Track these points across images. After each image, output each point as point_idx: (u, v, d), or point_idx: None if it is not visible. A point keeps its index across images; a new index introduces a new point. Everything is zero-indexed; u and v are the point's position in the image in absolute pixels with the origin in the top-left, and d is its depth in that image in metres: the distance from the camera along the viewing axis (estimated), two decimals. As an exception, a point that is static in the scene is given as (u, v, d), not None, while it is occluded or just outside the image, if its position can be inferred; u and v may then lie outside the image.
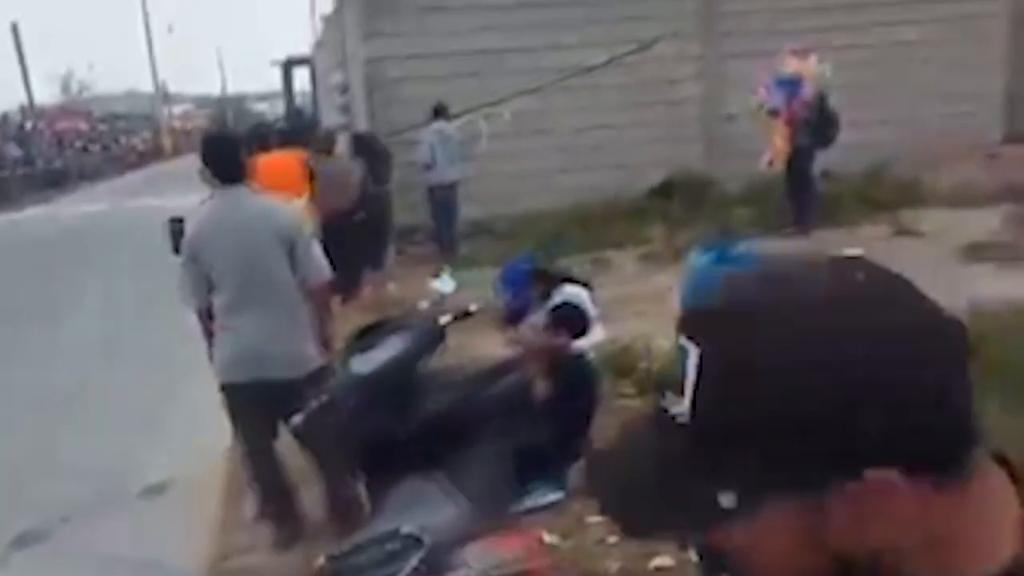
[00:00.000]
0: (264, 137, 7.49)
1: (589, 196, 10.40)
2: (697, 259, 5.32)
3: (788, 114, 9.17)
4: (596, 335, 4.01)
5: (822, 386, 0.58)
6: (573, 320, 3.53)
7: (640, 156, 10.78)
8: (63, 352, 7.48)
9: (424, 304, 3.45)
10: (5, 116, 33.07)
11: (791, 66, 9.28)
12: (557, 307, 3.62)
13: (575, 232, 9.50)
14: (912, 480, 0.59)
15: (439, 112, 9.45)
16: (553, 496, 3.33)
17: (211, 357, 3.64)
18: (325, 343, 3.68)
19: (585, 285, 4.49)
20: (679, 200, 10.07)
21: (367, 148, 8.66)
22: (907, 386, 0.59)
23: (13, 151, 28.02)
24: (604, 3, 10.78)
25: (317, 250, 3.69)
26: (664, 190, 10.56)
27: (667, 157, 10.77)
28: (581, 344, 3.85)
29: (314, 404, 3.12)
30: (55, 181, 27.88)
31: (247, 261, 3.50)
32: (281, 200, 4.06)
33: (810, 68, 9.30)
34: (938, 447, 0.60)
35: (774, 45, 10.26)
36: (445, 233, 9.71)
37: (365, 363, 3.03)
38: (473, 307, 3.35)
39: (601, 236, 9.34)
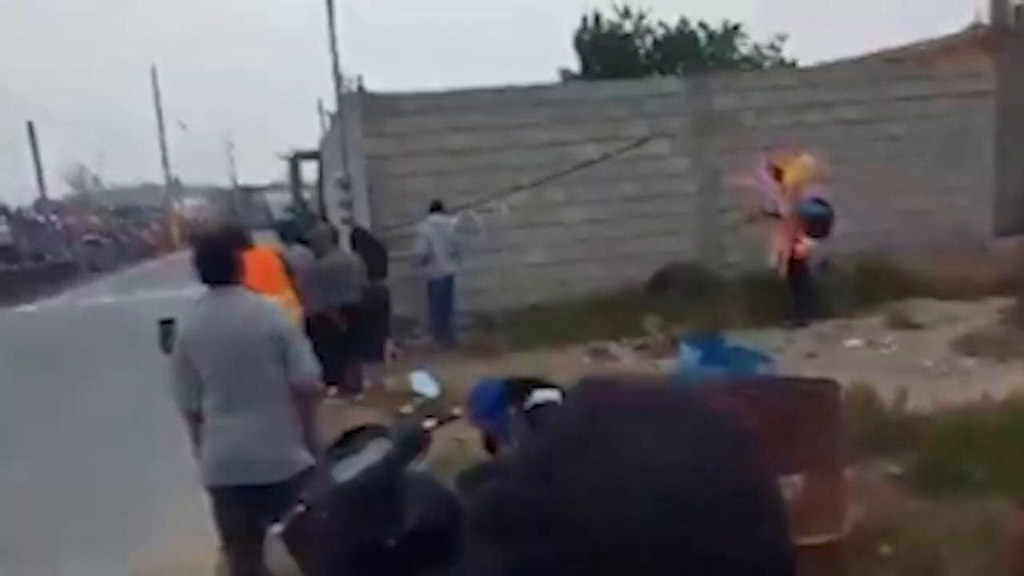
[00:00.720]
0: (281, 234, 7.76)
1: (586, 288, 10.50)
2: (687, 355, 5.35)
3: (788, 222, 9.42)
4: None
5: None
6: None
7: (636, 249, 10.92)
8: (62, 441, 7.46)
9: (407, 408, 3.45)
10: (19, 211, 33.75)
11: (785, 172, 9.53)
12: (534, 408, 3.62)
13: (573, 323, 9.56)
14: None
15: (436, 207, 9.64)
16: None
17: (197, 457, 3.63)
18: (311, 444, 3.67)
19: (556, 388, 4.50)
20: (675, 292, 10.15)
21: (364, 242, 8.81)
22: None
23: (24, 245, 28.50)
24: (599, 102, 11.11)
25: (307, 349, 3.70)
26: (660, 282, 10.66)
27: (663, 250, 10.91)
28: None
29: (295, 511, 3.09)
30: (65, 274, 28.25)
31: (238, 362, 3.49)
32: (271, 299, 4.09)
33: (802, 168, 9.51)
34: None
35: (767, 140, 10.55)
36: (443, 326, 9.77)
37: (343, 470, 3.02)
38: (458, 411, 3.35)
39: (598, 327, 9.39)
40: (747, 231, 10.13)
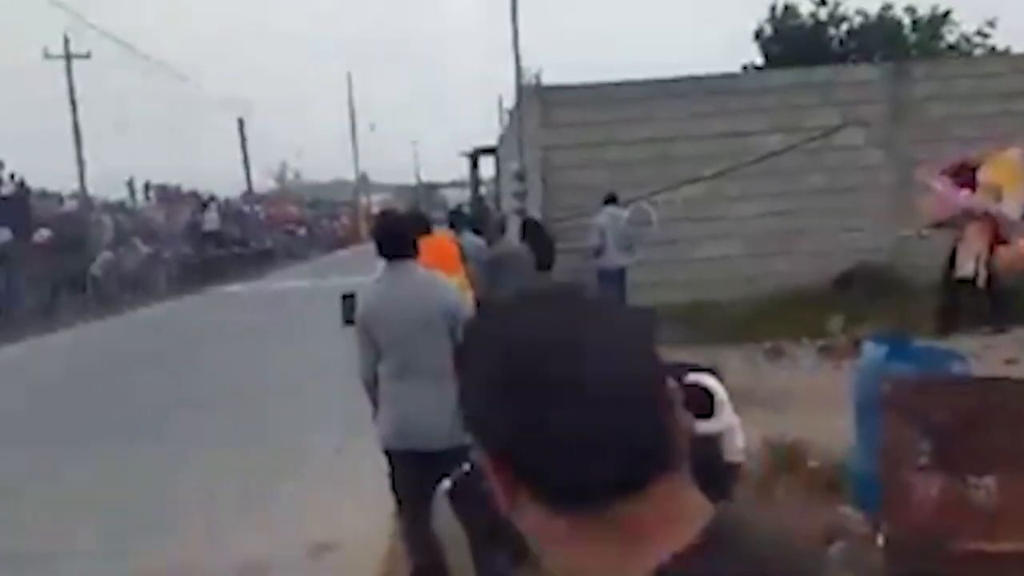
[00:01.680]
0: (451, 223, 8.05)
1: (765, 284, 10.10)
2: (871, 352, 5.02)
3: (985, 222, 8.53)
4: (724, 420, 3.87)
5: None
6: (697, 401, 3.45)
7: (823, 245, 10.39)
8: (255, 404, 8.07)
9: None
10: (227, 201, 36.81)
11: (983, 175, 8.56)
12: (684, 386, 3.55)
13: (749, 320, 9.24)
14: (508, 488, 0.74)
15: (611, 199, 9.59)
16: None
17: (375, 422, 3.80)
18: None
19: (711, 372, 4.37)
20: (861, 292, 9.56)
21: (533, 232, 8.92)
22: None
23: (231, 232, 31.11)
24: (783, 90, 10.66)
25: None
26: (845, 281, 10.08)
27: (853, 247, 10.31)
28: (708, 427, 3.73)
29: (461, 471, 3.17)
30: (265, 260, 30.59)
31: (411, 333, 3.63)
32: (445, 277, 4.23)
33: (1005, 164, 8.57)
34: (548, 479, 0.72)
35: (971, 130, 9.71)
36: None
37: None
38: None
39: (777, 325, 9.01)
40: (927, 237, 9.33)
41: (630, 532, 0.73)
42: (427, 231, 7.31)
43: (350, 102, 49.80)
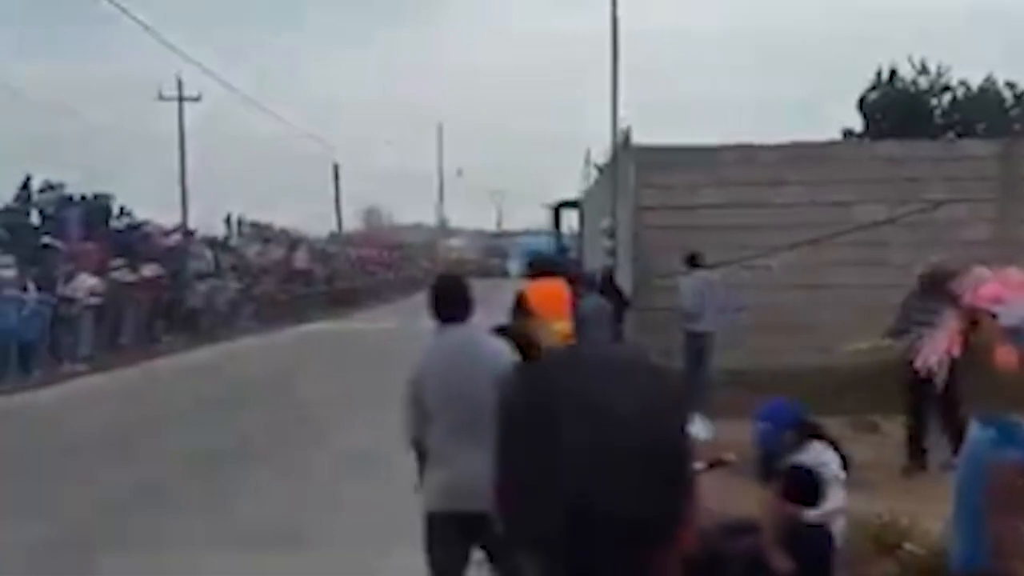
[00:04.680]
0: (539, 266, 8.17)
1: (860, 357, 9.84)
2: (975, 433, 4.86)
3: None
4: (834, 502, 3.80)
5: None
6: (804, 487, 3.42)
7: (918, 319, 10.09)
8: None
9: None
10: (316, 240, 37.96)
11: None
12: (791, 469, 3.53)
13: (841, 390, 8.99)
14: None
15: (694, 261, 9.50)
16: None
17: (418, 488, 3.79)
18: None
19: (835, 447, 4.29)
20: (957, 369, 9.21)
21: (612, 288, 9.02)
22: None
23: (319, 271, 32.00)
24: (886, 160, 10.52)
25: None
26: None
27: (950, 323, 9.98)
28: (815, 514, 3.67)
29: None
30: (351, 300, 31.32)
31: (460, 399, 3.62)
32: (495, 340, 4.17)
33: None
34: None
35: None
36: (698, 380, 9.60)
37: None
38: (730, 456, 3.32)
39: (871, 398, 8.75)
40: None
41: None
42: (551, 274, 7.39)
43: (439, 151, 51.11)
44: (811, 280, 10.38)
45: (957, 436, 6.50)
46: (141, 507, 6.65)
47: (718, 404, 9.11)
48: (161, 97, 26.71)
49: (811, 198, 10.41)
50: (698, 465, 3.29)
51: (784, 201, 10.48)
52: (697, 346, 9.49)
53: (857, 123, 18.01)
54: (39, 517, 6.32)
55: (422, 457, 3.78)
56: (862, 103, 17.86)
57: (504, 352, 3.96)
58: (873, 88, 17.77)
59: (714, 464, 3.20)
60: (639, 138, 11.27)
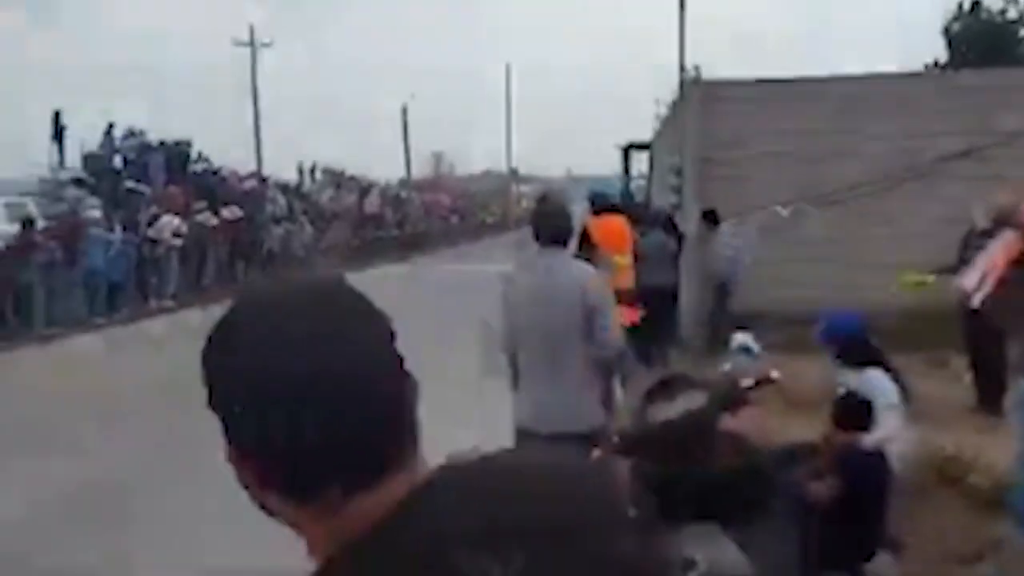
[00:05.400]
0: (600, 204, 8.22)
1: (933, 292, 9.60)
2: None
3: None
4: (887, 430, 3.79)
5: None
6: (856, 414, 3.42)
7: (996, 256, 9.76)
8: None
9: (726, 366, 3.50)
10: (387, 186, 38.38)
11: None
12: (843, 397, 3.54)
13: (915, 328, 8.82)
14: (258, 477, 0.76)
15: (714, 218, 9.52)
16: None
17: (514, 401, 3.91)
18: (608, 405, 3.84)
19: (896, 376, 4.26)
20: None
21: (673, 227, 9.03)
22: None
23: (389, 216, 32.44)
24: (967, 92, 10.07)
25: (612, 320, 3.81)
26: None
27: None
28: (870, 439, 3.68)
29: (610, 442, 3.29)
30: (419, 244, 31.74)
31: (549, 321, 3.72)
32: (589, 268, 4.20)
33: None
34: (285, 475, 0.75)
35: None
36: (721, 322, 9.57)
37: (660, 412, 3.16)
38: (775, 374, 3.34)
39: (943, 337, 8.57)
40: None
41: (363, 522, 0.75)
42: (608, 211, 7.50)
43: (507, 95, 50.68)
44: (884, 216, 10.11)
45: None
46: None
47: (780, 344, 9.08)
48: (236, 43, 27.19)
49: (882, 132, 10.07)
50: (746, 382, 3.33)
51: (858, 135, 10.17)
52: (721, 296, 9.51)
53: (943, 54, 17.24)
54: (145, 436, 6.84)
55: (515, 369, 3.89)
56: (947, 33, 17.06)
57: (596, 281, 3.93)
58: (956, 19, 16.93)
59: (760, 382, 3.24)
60: (710, 75, 11.04)
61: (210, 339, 0.80)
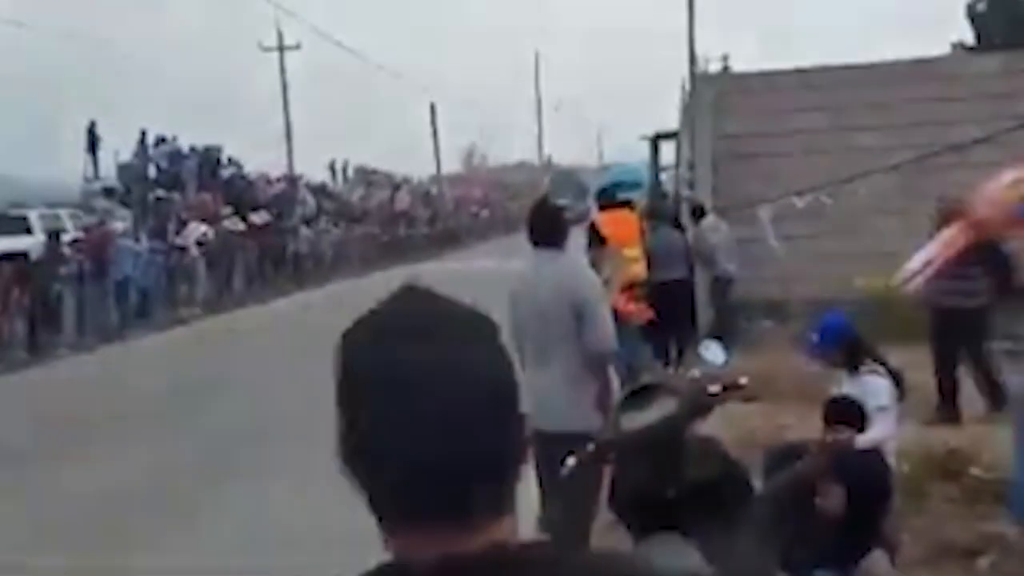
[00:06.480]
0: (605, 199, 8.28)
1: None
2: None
3: None
4: (879, 432, 3.80)
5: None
6: (848, 415, 3.44)
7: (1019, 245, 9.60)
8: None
9: (695, 372, 3.54)
10: (418, 182, 38.62)
11: None
12: (835, 399, 3.56)
13: (921, 320, 8.73)
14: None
15: (701, 212, 9.46)
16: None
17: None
18: (602, 407, 3.86)
19: (893, 374, 4.26)
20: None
21: (678, 223, 9.06)
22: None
23: (420, 212, 32.66)
24: (987, 76, 9.90)
25: (605, 319, 3.90)
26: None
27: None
28: (865, 439, 3.70)
29: (586, 451, 3.36)
30: (451, 239, 31.92)
31: (544, 321, 3.85)
32: (583, 268, 4.32)
33: None
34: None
35: None
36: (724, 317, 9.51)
37: (632, 421, 3.22)
38: (743, 380, 3.37)
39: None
40: None
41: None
42: (618, 205, 7.56)
43: (536, 83, 50.64)
44: (903, 204, 9.97)
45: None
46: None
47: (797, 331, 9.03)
48: (262, 48, 27.53)
49: (903, 118, 9.95)
50: (713, 388, 3.37)
51: (875, 122, 10.06)
52: (719, 289, 9.45)
53: (970, 36, 16.90)
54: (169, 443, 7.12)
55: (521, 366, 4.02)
56: (970, 12, 16.72)
57: (587, 280, 4.06)
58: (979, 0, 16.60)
59: (728, 388, 3.27)
60: (739, 65, 10.97)
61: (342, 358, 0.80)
